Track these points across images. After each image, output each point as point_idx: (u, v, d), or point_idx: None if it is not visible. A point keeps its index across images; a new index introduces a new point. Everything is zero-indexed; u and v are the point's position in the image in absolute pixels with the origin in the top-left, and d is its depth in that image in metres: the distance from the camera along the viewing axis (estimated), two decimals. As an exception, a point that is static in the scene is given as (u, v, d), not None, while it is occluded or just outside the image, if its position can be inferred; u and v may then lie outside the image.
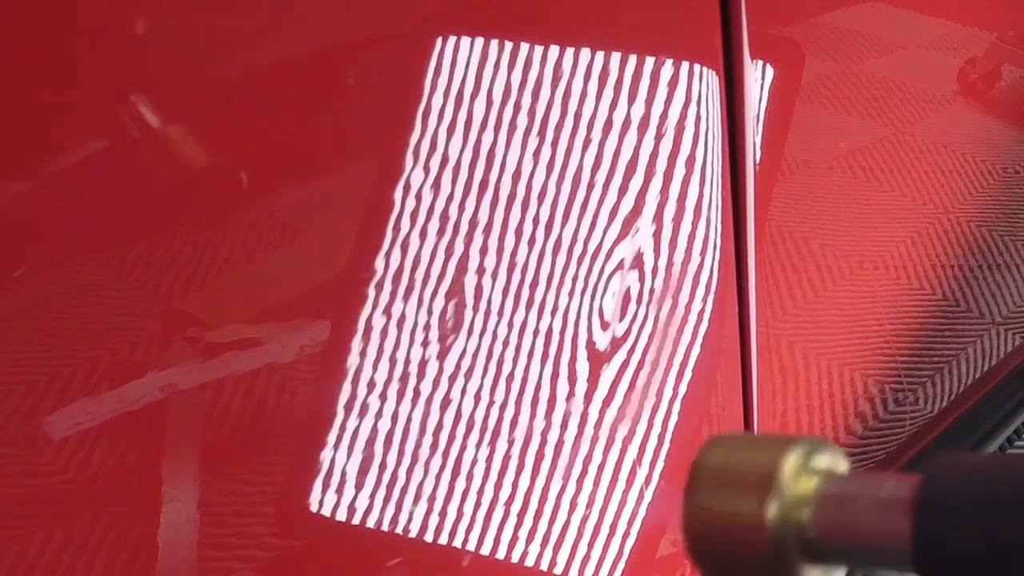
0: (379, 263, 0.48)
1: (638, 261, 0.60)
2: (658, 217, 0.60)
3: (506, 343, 0.54)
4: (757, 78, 0.68)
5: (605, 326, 0.58)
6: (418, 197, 0.49)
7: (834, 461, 0.34)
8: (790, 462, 0.33)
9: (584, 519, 0.59)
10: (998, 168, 1.08)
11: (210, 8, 0.42)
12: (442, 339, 0.51)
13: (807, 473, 0.33)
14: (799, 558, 0.32)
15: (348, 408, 0.48)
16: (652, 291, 0.61)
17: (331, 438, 0.48)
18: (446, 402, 0.52)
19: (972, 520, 0.29)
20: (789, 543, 0.32)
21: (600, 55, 0.55)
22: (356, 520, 0.50)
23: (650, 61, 0.58)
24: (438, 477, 0.52)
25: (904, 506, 0.30)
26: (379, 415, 0.49)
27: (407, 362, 0.50)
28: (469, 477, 0.53)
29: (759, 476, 0.32)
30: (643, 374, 0.62)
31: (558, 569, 0.59)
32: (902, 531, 0.30)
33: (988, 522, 0.29)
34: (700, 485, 0.33)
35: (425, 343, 0.50)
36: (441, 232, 0.50)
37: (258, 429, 0.45)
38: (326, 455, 0.48)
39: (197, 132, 0.42)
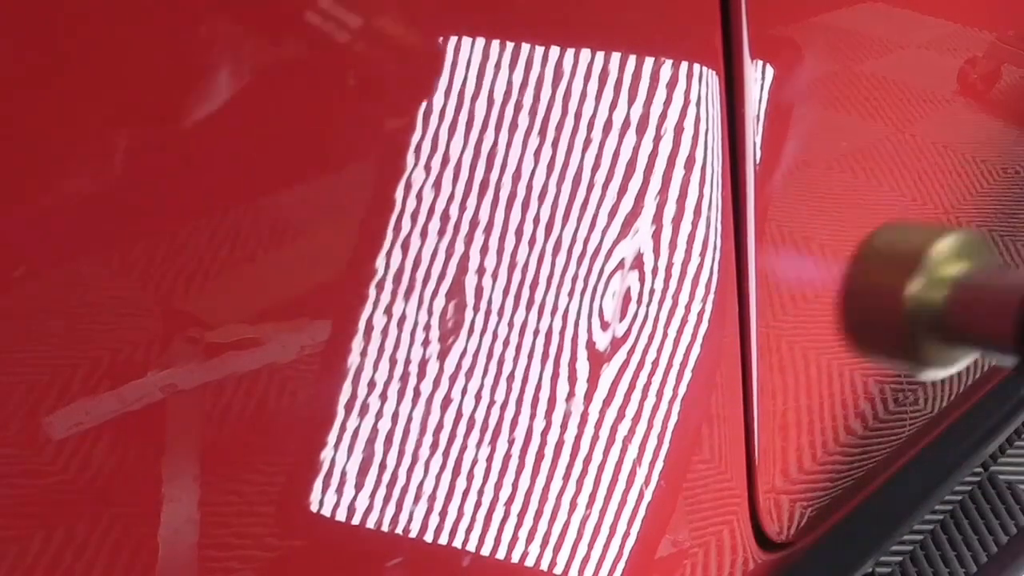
0: (379, 263, 0.48)
1: (638, 261, 0.60)
2: (658, 217, 0.60)
3: (506, 343, 0.54)
4: (757, 78, 0.68)
5: (605, 326, 0.58)
6: (418, 197, 0.49)
7: (986, 254, 0.35)
8: (941, 246, 0.35)
9: (584, 519, 0.59)
10: (998, 168, 1.08)
11: (210, 7, 0.42)
12: (442, 339, 0.51)
13: (956, 259, 0.35)
14: (930, 335, 0.34)
15: (348, 408, 0.48)
16: (652, 291, 0.61)
17: (331, 438, 0.48)
18: (446, 402, 0.52)
19: None
20: (921, 319, 0.34)
21: (600, 55, 0.55)
22: (356, 520, 0.50)
23: (650, 61, 0.58)
24: (438, 477, 0.52)
25: (1015, 302, 0.32)
26: (379, 415, 0.49)
27: (407, 362, 0.50)
28: (469, 477, 0.53)
29: (911, 255, 0.35)
30: (643, 374, 0.62)
31: (558, 569, 0.59)
32: (1007, 325, 0.32)
33: None
34: (863, 257, 0.36)
35: (425, 343, 0.50)
36: (441, 232, 0.50)
37: (258, 429, 0.45)
38: (326, 455, 0.48)
39: (197, 132, 0.42)
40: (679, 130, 0.61)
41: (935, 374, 0.35)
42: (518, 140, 0.52)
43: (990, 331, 0.33)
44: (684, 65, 0.61)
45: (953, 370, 0.36)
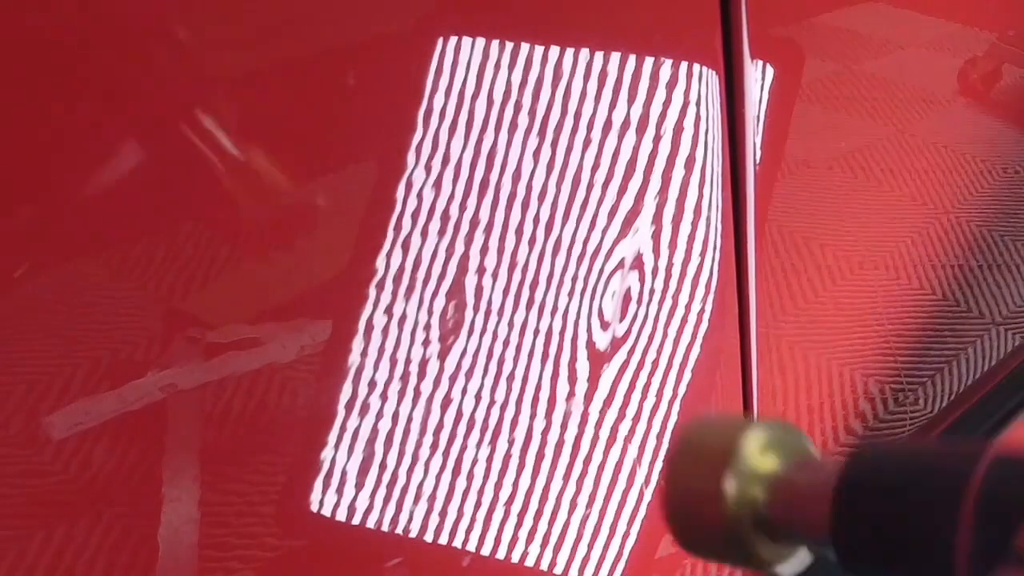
0: (379, 263, 0.48)
1: (638, 261, 0.60)
2: (658, 217, 0.60)
3: (506, 343, 0.54)
4: (757, 78, 0.68)
5: (605, 326, 0.58)
6: (419, 197, 0.49)
7: (798, 445, 0.35)
8: (751, 441, 0.34)
9: (584, 519, 0.59)
10: (998, 168, 1.08)
11: (211, 8, 0.42)
12: (442, 339, 0.51)
13: (769, 454, 0.34)
14: (755, 534, 0.34)
15: (348, 408, 0.48)
16: (652, 291, 0.61)
17: (331, 438, 0.48)
18: (446, 402, 0.52)
19: (876, 510, 0.31)
20: (744, 518, 0.33)
21: (600, 55, 0.55)
22: (356, 520, 0.50)
23: (650, 61, 0.58)
24: (438, 477, 0.52)
25: (828, 493, 0.32)
26: (379, 415, 0.49)
27: (407, 362, 0.50)
28: (469, 477, 0.53)
29: (722, 453, 0.34)
30: (643, 374, 0.62)
31: (558, 569, 0.59)
32: (824, 517, 0.32)
33: (887, 513, 0.31)
34: (675, 459, 0.35)
35: (425, 343, 0.50)
36: (441, 232, 0.50)
37: (258, 429, 0.45)
38: (326, 455, 0.48)
39: (197, 132, 0.42)
40: (679, 130, 0.61)
41: (778, 572, 0.35)
42: (518, 140, 0.52)
43: (810, 524, 0.33)
44: (684, 65, 0.61)
45: (792, 568, 0.35)
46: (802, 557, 0.35)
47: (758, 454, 0.34)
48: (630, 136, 0.58)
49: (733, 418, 0.37)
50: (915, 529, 0.30)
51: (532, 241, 0.54)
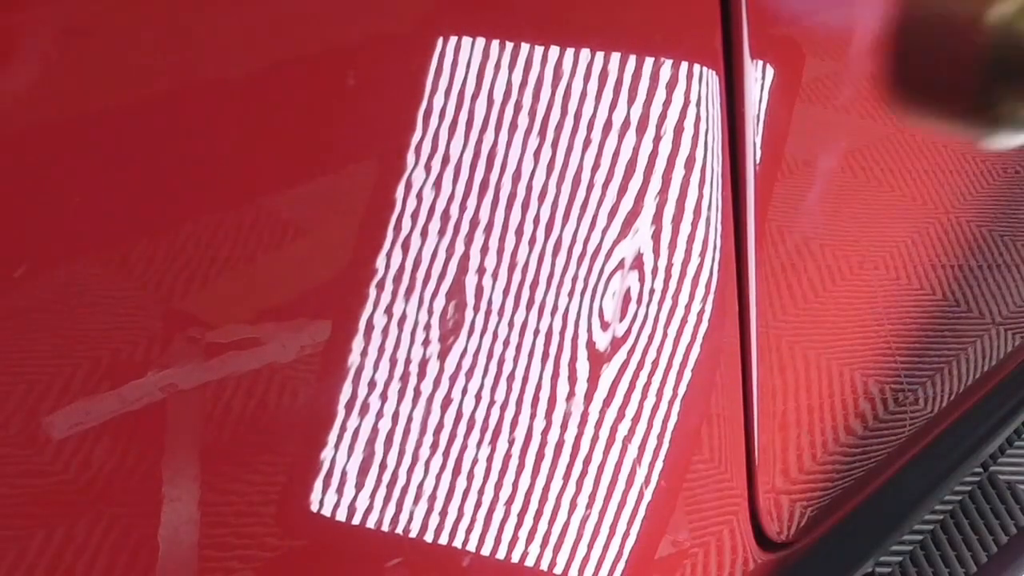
0: (379, 263, 0.48)
1: (638, 261, 0.60)
2: (658, 217, 0.60)
3: (506, 343, 0.54)
4: (757, 78, 0.68)
5: (605, 326, 0.58)
6: (419, 197, 0.49)
7: None
8: None
9: (584, 519, 0.59)
10: (998, 168, 1.08)
11: (210, 7, 0.42)
12: (442, 339, 0.51)
13: None
14: (1014, 80, 0.25)
15: (348, 408, 0.48)
16: (652, 291, 0.61)
17: (331, 438, 0.48)
18: (446, 402, 0.52)
19: None
20: (1008, 56, 0.24)
21: (600, 55, 0.55)
22: (356, 520, 0.50)
23: (650, 61, 0.58)
24: (438, 477, 0.52)
25: None
26: (379, 415, 0.49)
27: (407, 362, 0.50)
28: (469, 477, 0.53)
29: None
30: (643, 374, 0.62)
31: (558, 569, 0.59)
32: None
33: None
34: None
35: (425, 343, 0.50)
36: (441, 232, 0.50)
37: (258, 429, 0.45)
38: (326, 455, 0.48)
39: (197, 131, 0.42)
40: (679, 130, 0.61)
41: (1004, 138, 0.27)
42: (518, 140, 0.52)
43: None
44: (684, 65, 0.61)
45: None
46: None
47: None
48: (630, 136, 0.58)
49: None
50: None
51: (532, 241, 0.54)
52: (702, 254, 0.64)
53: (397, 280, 0.49)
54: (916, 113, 0.28)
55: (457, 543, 0.54)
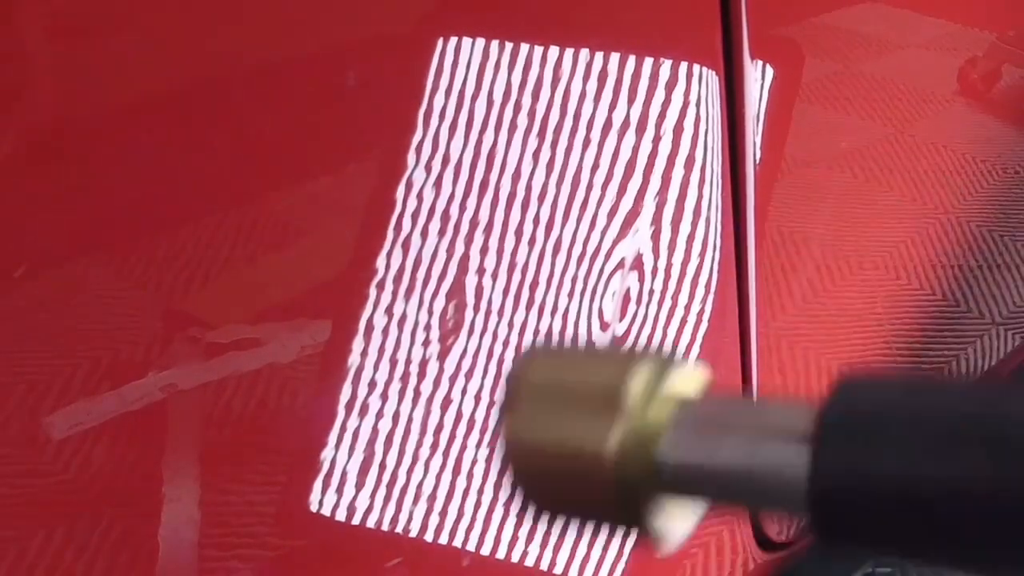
0: (379, 263, 0.48)
1: (638, 261, 0.60)
2: (658, 217, 0.61)
3: (506, 343, 0.54)
4: (757, 78, 0.68)
5: (605, 326, 0.58)
6: (419, 197, 0.49)
7: (691, 380, 0.27)
8: (638, 382, 0.26)
9: (584, 519, 0.59)
10: (998, 168, 1.08)
11: (211, 8, 0.42)
12: (442, 339, 0.51)
13: (659, 396, 0.27)
14: (649, 493, 0.26)
15: (348, 408, 0.48)
16: (652, 291, 0.61)
17: (331, 438, 0.48)
18: (446, 402, 0.52)
19: (883, 459, 0.24)
20: (637, 479, 0.26)
21: (600, 55, 0.55)
22: (356, 520, 0.50)
23: (650, 61, 0.58)
24: (438, 477, 0.52)
25: (801, 438, 0.25)
26: (379, 415, 0.49)
27: (407, 362, 0.50)
28: (469, 477, 0.53)
29: (601, 398, 0.26)
30: (643, 374, 0.61)
31: (558, 569, 0.59)
32: (797, 466, 0.25)
33: (900, 461, 0.24)
34: (525, 405, 0.27)
35: (425, 343, 0.50)
36: (441, 232, 0.50)
37: (258, 429, 0.45)
38: (326, 455, 0.48)
39: (198, 132, 0.42)
40: (679, 130, 0.61)
41: (668, 538, 0.27)
42: (518, 140, 0.52)
43: (762, 476, 0.25)
44: (684, 65, 0.61)
45: (685, 530, 0.28)
46: (690, 524, 0.28)
47: (646, 402, 0.26)
48: (630, 136, 0.58)
49: (595, 350, 0.28)
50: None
51: (532, 241, 0.54)
52: (702, 254, 0.64)
53: (397, 280, 0.49)
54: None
55: (457, 543, 0.54)
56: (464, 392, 0.52)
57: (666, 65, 0.59)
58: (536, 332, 0.55)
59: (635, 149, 0.58)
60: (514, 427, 0.27)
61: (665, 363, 0.27)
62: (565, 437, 0.26)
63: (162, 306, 0.42)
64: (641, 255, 0.60)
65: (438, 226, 0.50)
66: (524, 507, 0.28)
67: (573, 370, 0.27)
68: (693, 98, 0.61)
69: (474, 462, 0.53)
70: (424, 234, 0.49)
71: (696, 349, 0.65)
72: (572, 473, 0.27)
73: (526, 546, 0.57)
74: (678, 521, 0.27)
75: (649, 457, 0.26)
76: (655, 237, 0.61)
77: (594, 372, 0.27)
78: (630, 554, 0.63)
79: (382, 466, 0.50)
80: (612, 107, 0.56)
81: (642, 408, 0.26)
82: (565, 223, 0.55)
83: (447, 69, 0.49)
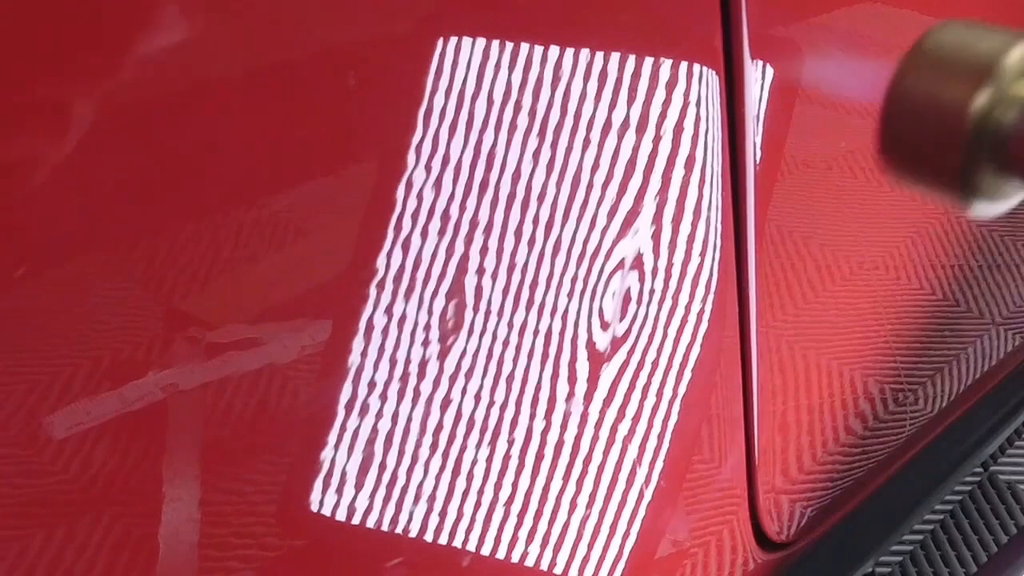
0: (379, 263, 0.48)
1: (638, 261, 0.60)
2: (658, 217, 0.61)
3: (506, 343, 0.54)
4: (757, 78, 0.68)
5: (605, 326, 0.58)
6: (419, 197, 0.49)
7: None
8: (1015, 56, 0.30)
9: (584, 519, 0.59)
10: (998, 168, 1.08)
11: (211, 7, 0.42)
12: (442, 339, 0.51)
13: None
14: (990, 160, 0.30)
15: (348, 408, 0.48)
16: (652, 291, 0.61)
17: (331, 438, 0.48)
18: (446, 402, 0.52)
19: None
20: (984, 140, 0.29)
21: (600, 55, 0.55)
22: (356, 520, 0.50)
23: (650, 61, 0.58)
24: (438, 477, 0.52)
25: None
26: (379, 415, 0.49)
27: (407, 362, 0.50)
28: (469, 477, 0.53)
29: (980, 64, 0.30)
30: (643, 374, 0.62)
31: (558, 569, 0.59)
32: None
33: None
34: (915, 62, 0.30)
35: (425, 343, 0.50)
36: (441, 232, 0.50)
37: (258, 429, 0.45)
38: (326, 455, 0.48)
39: (198, 131, 0.42)
40: (679, 130, 0.61)
41: (983, 208, 0.31)
42: (518, 140, 0.52)
43: None
44: (684, 65, 0.61)
45: (1004, 206, 0.31)
46: (1011, 201, 0.31)
47: (1019, 75, 0.30)
48: (630, 136, 0.58)
49: (993, 27, 0.31)
50: None
51: (532, 241, 0.54)
52: (702, 254, 0.64)
53: (397, 280, 0.49)
54: (906, 182, 0.32)
55: (457, 543, 0.54)
56: (464, 392, 0.52)
57: (666, 65, 0.59)
58: (536, 332, 0.55)
59: (635, 149, 0.58)
60: (899, 82, 0.30)
61: None
62: (937, 94, 0.29)
63: (162, 306, 0.42)
64: (641, 255, 0.60)
65: (438, 226, 0.50)
66: (889, 159, 0.30)
67: (967, 38, 0.30)
68: (693, 98, 0.61)
69: (474, 462, 0.53)
70: (424, 234, 0.49)
71: (696, 349, 0.65)
72: (933, 127, 0.29)
73: (526, 546, 0.57)
74: (998, 199, 0.30)
75: (1001, 127, 0.29)
76: (655, 237, 0.61)
77: (982, 41, 0.30)
78: (630, 554, 0.63)
79: (382, 466, 0.50)
80: (612, 107, 0.56)
81: (1010, 80, 0.29)
82: (565, 223, 0.55)
83: (447, 69, 0.49)
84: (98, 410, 0.40)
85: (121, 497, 0.41)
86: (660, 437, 0.63)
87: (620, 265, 0.58)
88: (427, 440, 0.51)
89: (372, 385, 0.49)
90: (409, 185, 0.49)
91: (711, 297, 0.65)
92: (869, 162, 0.89)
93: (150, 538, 0.42)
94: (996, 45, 0.30)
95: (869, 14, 0.89)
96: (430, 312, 0.50)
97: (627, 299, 0.59)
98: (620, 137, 0.57)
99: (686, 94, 0.61)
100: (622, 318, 0.59)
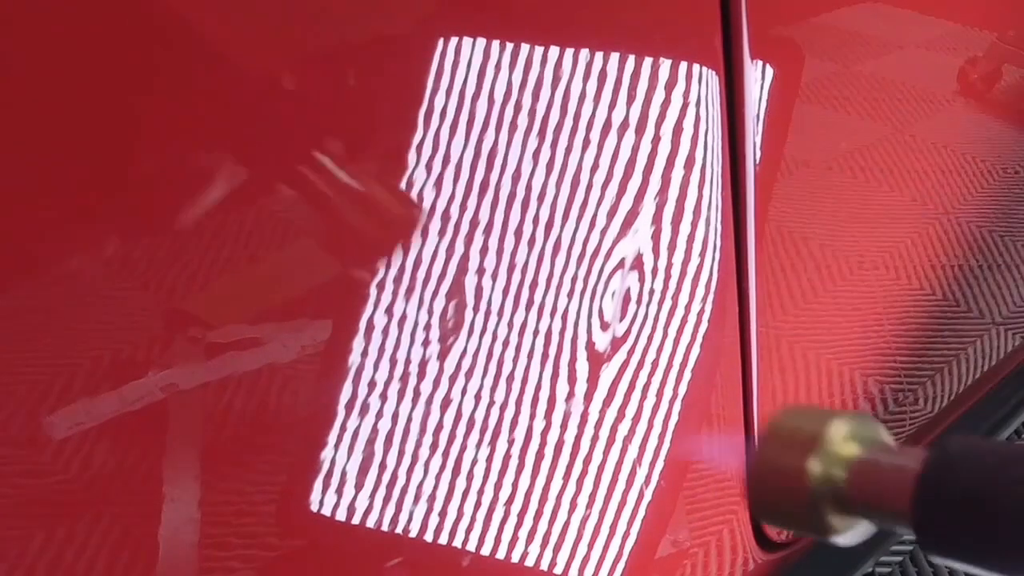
0: (379, 263, 0.48)
1: (638, 261, 0.60)
2: (658, 217, 0.61)
3: (506, 343, 0.54)
4: (757, 78, 0.68)
5: (605, 326, 0.58)
6: (419, 197, 0.49)
7: (877, 435, 0.40)
8: (836, 428, 0.40)
9: (584, 519, 0.59)
10: (998, 168, 1.08)
11: (211, 8, 0.42)
12: (442, 339, 0.51)
13: (851, 440, 0.40)
14: (832, 509, 0.39)
15: (348, 408, 0.48)
16: (652, 291, 0.61)
17: (331, 438, 0.48)
18: (446, 402, 0.52)
19: (959, 495, 0.35)
20: (825, 495, 0.39)
21: (600, 55, 0.55)
22: (356, 520, 0.50)
23: (650, 62, 0.58)
24: (438, 477, 0.52)
25: (911, 477, 0.37)
26: (379, 415, 0.49)
27: (407, 362, 0.50)
28: (469, 477, 0.53)
29: (810, 437, 0.39)
30: (643, 374, 0.62)
31: (558, 569, 0.59)
32: (905, 495, 0.37)
33: (971, 499, 0.35)
34: (766, 439, 0.40)
35: (425, 343, 0.50)
36: (441, 232, 0.50)
37: (258, 429, 0.45)
38: (326, 455, 0.48)
39: (198, 131, 0.42)
40: (679, 130, 0.61)
41: (844, 541, 0.40)
42: (518, 140, 0.52)
43: (889, 506, 0.38)
44: (684, 66, 0.61)
45: (860, 537, 0.40)
46: (864, 530, 0.40)
47: (841, 440, 0.39)
48: (630, 136, 0.58)
49: (819, 409, 0.42)
50: (999, 515, 0.34)
51: (532, 241, 0.54)
52: (702, 254, 0.64)
53: (397, 280, 0.49)
54: (774, 526, 0.45)
55: (457, 543, 0.54)
56: (464, 392, 0.52)
57: (666, 65, 0.59)
58: (536, 332, 0.55)
59: (635, 149, 0.58)
60: (758, 456, 0.41)
61: (862, 419, 0.40)
62: (784, 463, 0.40)
63: (163, 306, 0.42)
64: (641, 255, 0.60)
65: (438, 226, 0.50)
66: (754, 514, 0.41)
67: (801, 419, 0.41)
68: (693, 98, 0.61)
69: (474, 462, 0.53)
70: (424, 234, 0.49)
71: (696, 349, 0.65)
72: (783, 489, 0.40)
73: (526, 546, 0.57)
74: (851, 532, 0.40)
75: (835, 482, 0.39)
76: (655, 237, 0.61)
77: (812, 420, 0.40)
78: (630, 554, 0.63)
79: (382, 466, 0.50)
80: (612, 107, 0.56)
81: (836, 447, 0.40)
82: (565, 223, 0.55)
83: (447, 69, 0.49)
84: (98, 410, 0.40)
85: (121, 497, 0.41)
86: (660, 437, 0.63)
87: (620, 265, 0.58)
88: (427, 440, 0.51)
89: (372, 385, 0.49)
90: (409, 185, 0.49)
91: (711, 297, 0.65)
92: (869, 162, 0.89)
93: (150, 538, 0.42)
94: (820, 420, 0.40)
95: (869, 14, 0.89)
96: (430, 312, 0.50)
97: (627, 299, 0.59)
98: (620, 137, 0.57)
99: (686, 94, 0.61)
100: (622, 318, 0.59)
